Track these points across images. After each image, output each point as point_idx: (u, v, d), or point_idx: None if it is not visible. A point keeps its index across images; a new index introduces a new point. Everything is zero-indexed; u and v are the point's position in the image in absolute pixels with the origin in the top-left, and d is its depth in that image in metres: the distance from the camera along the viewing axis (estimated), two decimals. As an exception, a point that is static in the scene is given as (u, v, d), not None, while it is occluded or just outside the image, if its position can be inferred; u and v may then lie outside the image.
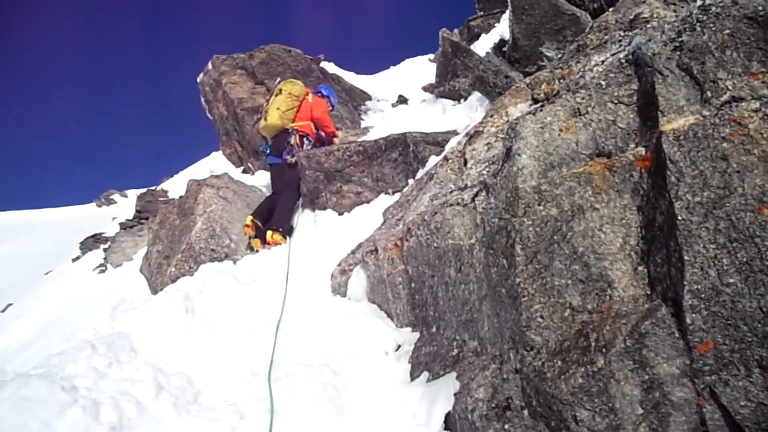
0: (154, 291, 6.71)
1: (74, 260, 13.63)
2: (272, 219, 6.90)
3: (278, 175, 7.61)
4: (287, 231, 6.73)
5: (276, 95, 7.67)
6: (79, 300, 9.53)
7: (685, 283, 2.12)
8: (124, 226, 12.83)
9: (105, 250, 12.27)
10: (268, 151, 7.81)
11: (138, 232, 12.19)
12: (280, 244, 6.50)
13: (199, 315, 4.45)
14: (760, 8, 2.31)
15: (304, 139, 7.50)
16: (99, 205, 27.59)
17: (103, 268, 11.15)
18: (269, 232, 6.64)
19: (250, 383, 3.55)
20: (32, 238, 23.09)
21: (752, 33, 2.30)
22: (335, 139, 7.83)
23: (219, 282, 4.95)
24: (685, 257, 2.14)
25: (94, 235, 14.43)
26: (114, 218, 16.21)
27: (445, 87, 7.81)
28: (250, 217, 6.94)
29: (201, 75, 11.66)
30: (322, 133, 7.80)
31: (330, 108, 8.21)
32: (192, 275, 5.84)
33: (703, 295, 2.10)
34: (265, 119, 7.58)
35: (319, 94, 8.18)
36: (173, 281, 6.01)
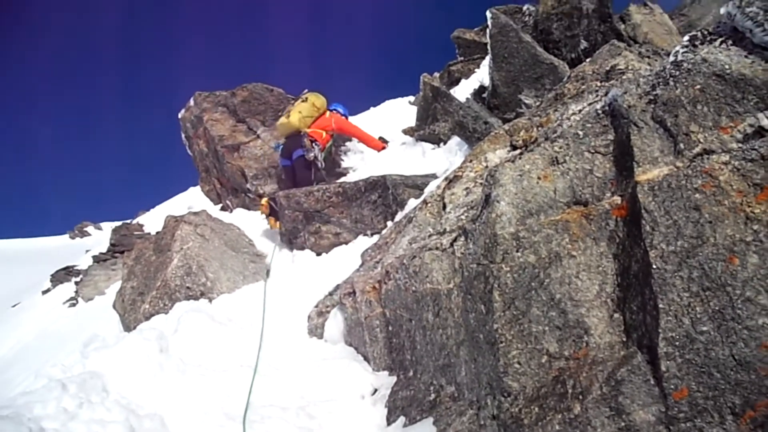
0: (127, 328, 6.58)
1: (44, 292, 13.34)
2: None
3: (289, 176, 8.37)
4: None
5: (302, 101, 8.55)
6: (48, 334, 9.32)
7: (660, 330, 2.16)
8: (98, 260, 12.62)
9: (77, 283, 12.05)
10: (280, 149, 8.62)
11: (111, 265, 12.00)
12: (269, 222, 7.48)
13: (173, 355, 4.37)
14: (727, 67, 2.41)
15: (314, 144, 8.15)
16: (72, 237, 27.13)
17: (74, 301, 10.94)
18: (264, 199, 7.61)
19: (225, 426, 3.49)
20: (1, 268, 22.61)
21: (720, 89, 2.38)
22: (386, 146, 8.85)
23: (194, 321, 4.89)
24: (660, 305, 2.18)
25: (66, 268, 14.17)
26: (87, 251, 15.95)
27: (425, 130, 7.91)
28: (266, 198, 7.73)
29: (182, 111, 11.69)
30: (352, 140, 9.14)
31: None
32: (167, 313, 5.75)
33: (677, 343, 2.13)
34: (287, 117, 8.40)
35: (336, 111, 9.04)
36: (147, 319, 5.91)
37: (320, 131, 8.40)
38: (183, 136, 11.96)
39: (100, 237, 21.90)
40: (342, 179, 7.97)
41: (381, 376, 3.78)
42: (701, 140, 2.35)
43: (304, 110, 8.38)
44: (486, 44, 6.87)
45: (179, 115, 11.85)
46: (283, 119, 8.48)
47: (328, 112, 8.76)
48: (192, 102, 11.42)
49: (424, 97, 7.98)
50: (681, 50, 2.60)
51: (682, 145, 2.38)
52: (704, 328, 2.10)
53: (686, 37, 2.69)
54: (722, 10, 2.64)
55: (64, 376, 3.99)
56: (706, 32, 2.67)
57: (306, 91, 9.06)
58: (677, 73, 2.52)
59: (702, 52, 2.53)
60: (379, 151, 8.86)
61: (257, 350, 4.35)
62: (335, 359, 4.09)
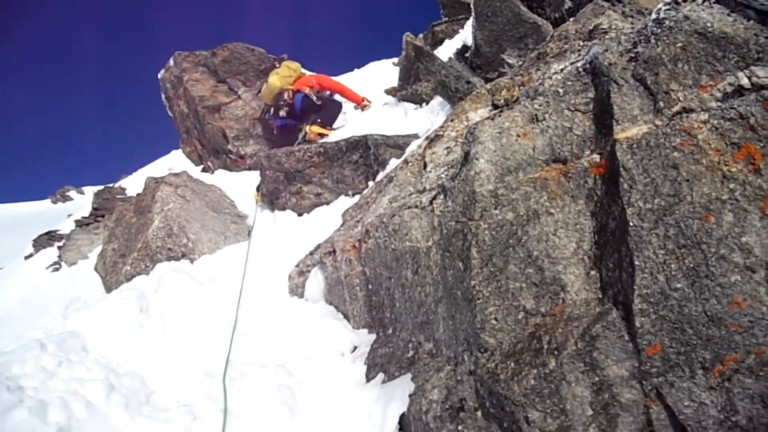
0: (109, 290, 6.56)
1: (27, 258, 13.27)
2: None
3: (292, 130, 8.59)
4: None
5: (277, 68, 9.07)
6: (32, 299, 9.29)
7: (635, 287, 2.18)
8: (80, 224, 12.54)
9: (59, 247, 11.98)
10: (272, 117, 8.88)
11: (94, 229, 11.93)
12: (323, 134, 8.00)
13: (153, 314, 4.36)
14: (709, 25, 2.39)
15: (298, 93, 8.55)
16: (54, 202, 26.85)
17: (57, 266, 10.89)
18: (307, 127, 8.12)
19: (204, 384, 3.50)
20: (-17, 234, 22.38)
21: (702, 48, 2.37)
22: (367, 104, 8.92)
23: (175, 281, 4.87)
24: (636, 262, 2.20)
25: (49, 233, 14.08)
26: (69, 215, 15.82)
27: (408, 91, 7.84)
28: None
29: (162, 71, 11.48)
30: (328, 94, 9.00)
31: None
32: (148, 274, 5.74)
33: (652, 300, 2.15)
34: (267, 82, 8.88)
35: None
36: (128, 280, 5.88)
37: (304, 86, 8.72)
38: (163, 96, 11.77)
39: (82, 201, 21.70)
40: (323, 139, 7.92)
41: (361, 333, 3.81)
42: (681, 99, 2.35)
43: (282, 72, 8.86)
44: (470, 4, 6.78)
45: (159, 76, 11.64)
46: (264, 87, 9.01)
47: (306, 74, 9.12)
48: (172, 62, 11.21)
49: (407, 56, 7.89)
50: (663, 8, 2.58)
51: (661, 104, 2.38)
52: (678, 285, 2.13)
53: (669, -6, 2.66)
54: (705, -34, 2.61)
55: (44, 336, 3.97)
56: (689, -11, 2.64)
57: (285, 56, 9.78)
58: (659, 30, 2.50)
59: (684, 9, 2.50)
60: (359, 103, 8.97)
61: (236, 309, 4.36)
62: (315, 318, 4.10)
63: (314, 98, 8.50)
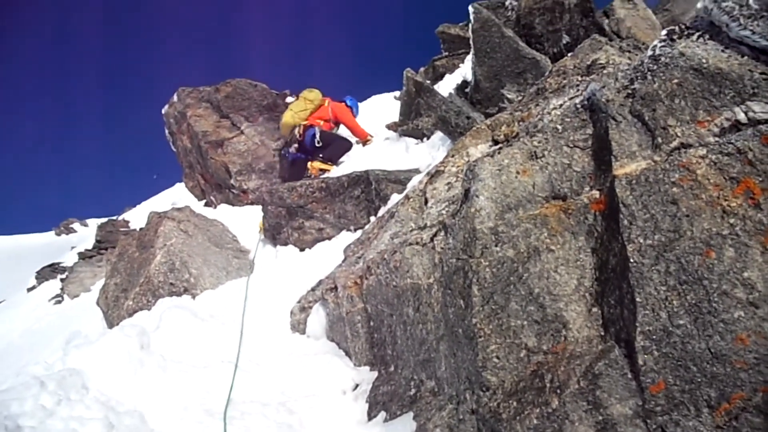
0: (111, 325, 6.54)
1: (30, 290, 13.24)
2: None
3: (303, 165, 8.80)
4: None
5: (294, 101, 9.47)
6: (33, 331, 9.25)
7: (637, 324, 2.16)
8: (83, 256, 12.53)
9: (62, 280, 11.96)
10: (286, 152, 9.19)
11: (97, 262, 11.93)
12: (324, 170, 8.24)
13: (154, 351, 4.34)
14: (704, 61, 2.41)
15: (309, 130, 8.87)
16: (58, 234, 26.87)
17: (60, 298, 10.86)
18: (309, 163, 8.44)
19: (204, 422, 3.46)
20: (-14, 266, 22.34)
21: (698, 83, 2.39)
22: (369, 139, 9.10)
23: (176, 317, 4.85)
24: (637, 299, 2.18)
25: (52, 265, 14.07)
26: (73, 247, 15.83)
27: (409, 125, 7.90)
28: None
29: (166, 107, 11.60)
30: (343, 128, 9.42)
31: (354, 115, 9.65)
32: (149, 309, 5.72)
33: (654, 337, 2.13)
34: (282, 119, 9.32)
35: (343, 102, 9.62)
36: (130, 315, 5.87)
37: (318, 121, 9.05)
38: (167, 131, 11.88)
39: (85, 234, 21.71)
40: (326, 174, 7.96)
41: (362, 371, 3.77)
42: (679, 134, 2.36)
43: (296, 107, 9.20)
44: (470, 39, 6.87)
45: (163, 111, 11.77)
46: (281, 122, 9.40)
47: (328, 101, 9.39)
48: (175, 97, 11.34)
49: (408, 92, 7.97)
50: (659, 44, 2.61)
51: (659, 139, 2.39)
52: (681, 322, 2.11)
53: (664, 32, 2.69)
54: (699, 5, 2.65)
55: (44, 373, 3.94)
56: (683, 26, 2.68)
57: (287, 91, 10.34)
58: (655, 67, 2.52)
59: (679, 46, 2.53)
60: (362, 139, 9.15)
61: (238, 346, 4.33)
62: (317, 354, 4.07)
63: (317, 140, 8.71)
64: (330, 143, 8.78)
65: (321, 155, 8.56)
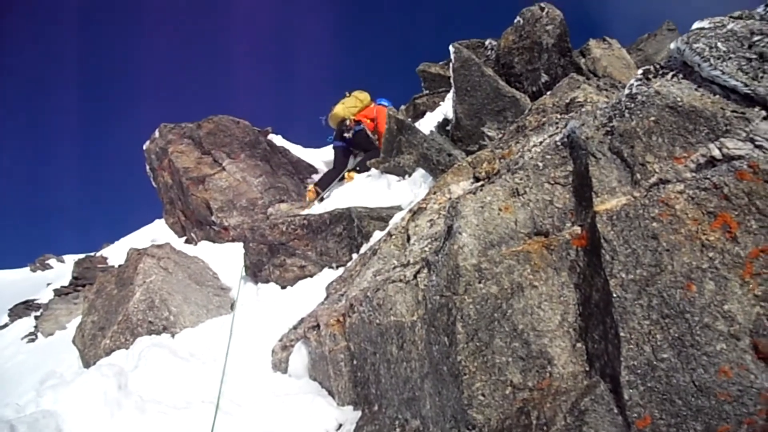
0: (87, 364, 6.39)
1: (1, 328, 12.90)
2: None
3: (341, 153, 9.94)
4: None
5: (347, 96, 10.21)
6: (5, 370, 8.99)
7: (622, 359, 2.17)
8: (59, 293, 12.25)
9: (36, 317, 11.66)
10: (333, 138, 10.16)
11: (74, 299, 11.67)
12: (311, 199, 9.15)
13: (133, 392, 4.25)
14: (679, 99, 2.47)
15: (358, 124, 9.77)
16: (33, 270, 26.30)
17: (33, 336, 10.58)
18: (346, 173, 9.34)
19: (184, 466, 3.39)
20: (-44, 302, 21.74)
21: (674, 121, 2.45)
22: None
23: (155, 357, 4.77)
24: (621, 333, 2.19)
25: (26, 302, 13.72)
26: (49, 284, 15.48)
27: (391, 163, 7.94)
28: (312, 186, 9.66)
29: (147, 143, 11.59)
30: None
31: None
32: (128, 348, 5.62)
33: (639, 371, 2.14)
34: (331, 110, 10.08)
35: (382, 104, 10.28)
36: (108, 354, 5.76)
37: (365, 118, 9.89)
38: (147, 167, 11.84)
39: (62, 270, 21.28)
40: (307, 211, 7.95)
41: (346, 410, 3.72)
42: (657, 170, 2.40)
43: (348, 102, 10.09)
44: (450, 78, 6.97)
45: (144, 147, 11.74)
46: (331, 113, 10.15)
47: (373, 104, 10.20)
48: (157, 133, 11.34)
49: (389, 130, 8.03)
50: (635, 83, 2.67)
51: (638, 175, 2.43)
52: (665, 356, 2.11)
53: (640, 71, 2.76)
54: (672, 45, 2.72)
55: (15, 416, 3.84)
56: (658, 66, 2.75)
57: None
58: (632, 105, 2.58)
59: (655, 85, 2.59)
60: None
61: (219, 386, 4.26)
62: (299, 394, 4.01)
63: (370, 134, 9.71)
64: (368, 149, 9.59)
65: (360, 161, 9.32)
